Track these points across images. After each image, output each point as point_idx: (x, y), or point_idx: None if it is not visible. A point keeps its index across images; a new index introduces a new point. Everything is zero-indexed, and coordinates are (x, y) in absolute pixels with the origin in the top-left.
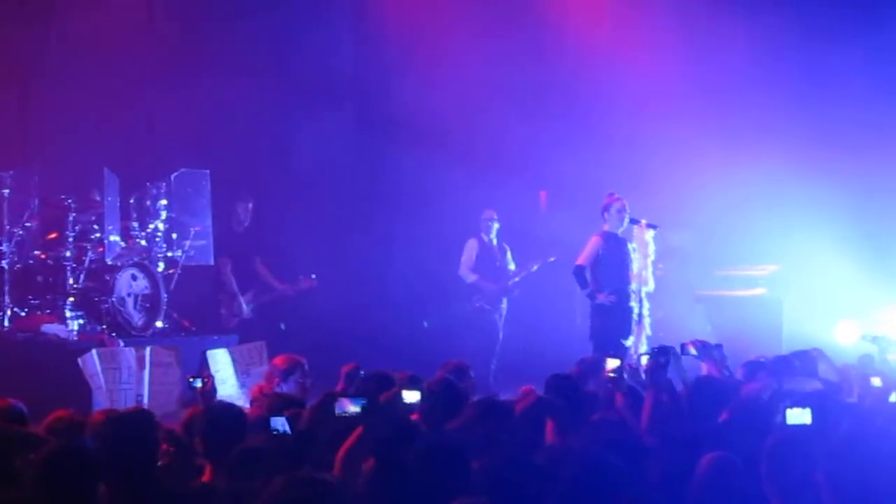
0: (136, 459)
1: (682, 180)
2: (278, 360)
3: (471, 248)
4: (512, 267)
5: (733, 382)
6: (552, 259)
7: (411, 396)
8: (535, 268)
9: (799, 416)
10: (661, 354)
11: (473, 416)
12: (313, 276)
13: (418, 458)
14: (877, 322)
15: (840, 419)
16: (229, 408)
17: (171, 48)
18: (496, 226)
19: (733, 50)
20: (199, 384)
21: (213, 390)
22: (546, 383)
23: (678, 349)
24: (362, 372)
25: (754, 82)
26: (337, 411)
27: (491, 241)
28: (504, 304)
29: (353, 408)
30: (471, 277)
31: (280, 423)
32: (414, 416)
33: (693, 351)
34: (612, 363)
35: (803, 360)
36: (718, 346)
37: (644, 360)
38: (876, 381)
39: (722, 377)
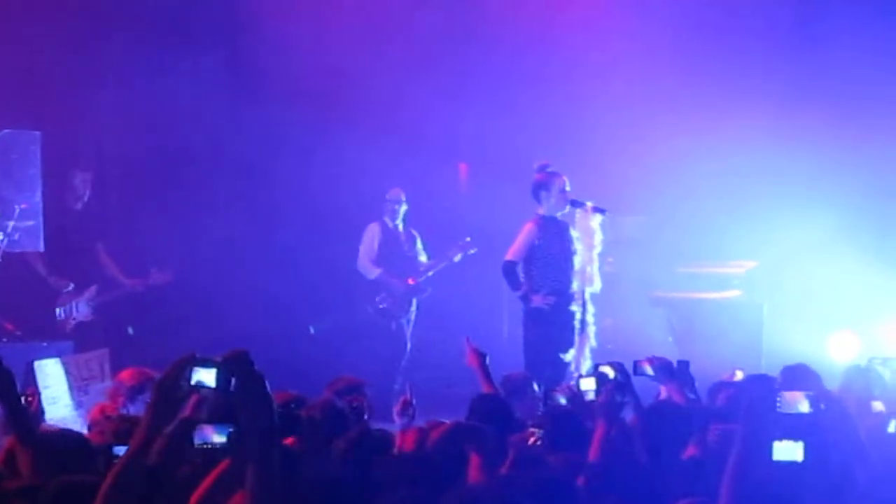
0: None
1: (636, 153)
2: (125, 375)
3: (371, 236)
4: (423, 258)
5: (700, 409)
6: (473, 251)
7: None
8: (458, 258)
9: (788, 450)
10: (619, 390)
11: (352, 450)
12: (168, 269)
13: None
14: (883, 335)
15: (831, 455)
16: (65, 435)
17: None
18: (403, 208)
19: None
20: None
21: (40, 412)
22: (470, 406)
23: (630, 367)
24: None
25: (731, 30)
26: (196, 441)
27: (396, 226)
28: (413, 307)
29: (217, 437)
30: (373, 272)
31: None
32: (288, 441)
33: (650, 371)
34: (587, 383)
35: (793, 380)
36: (683, 364)
37: (585, 383)
38: (878, 406)
39: (687, 403)
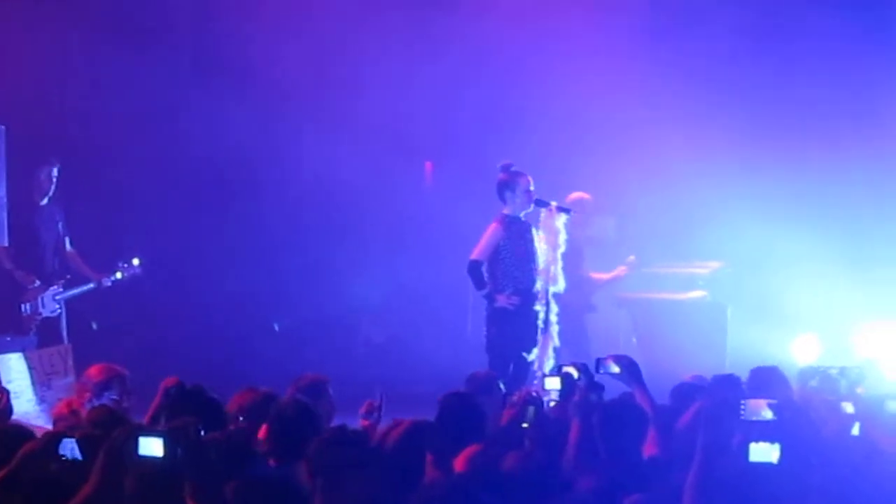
0: None
1: (602, 153)
2: (93, 371)
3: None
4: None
5: (662, 410)
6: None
7: None
8: None
9: (764, 452)
10: (593, 389)
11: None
12: (136, 260)
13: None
14: (850, 337)
15: (809, 456)
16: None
17: None
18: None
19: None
20: None
21: (9, 409)
22: (440, 404)
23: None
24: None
25: (702, 28)
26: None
27: None
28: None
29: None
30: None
31: (69, 448)
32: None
33: (614, 368)
34: (552, 382)
35: (762, 382)
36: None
37: (549, 382)
38: (848, 408)
39: (653, 408)
